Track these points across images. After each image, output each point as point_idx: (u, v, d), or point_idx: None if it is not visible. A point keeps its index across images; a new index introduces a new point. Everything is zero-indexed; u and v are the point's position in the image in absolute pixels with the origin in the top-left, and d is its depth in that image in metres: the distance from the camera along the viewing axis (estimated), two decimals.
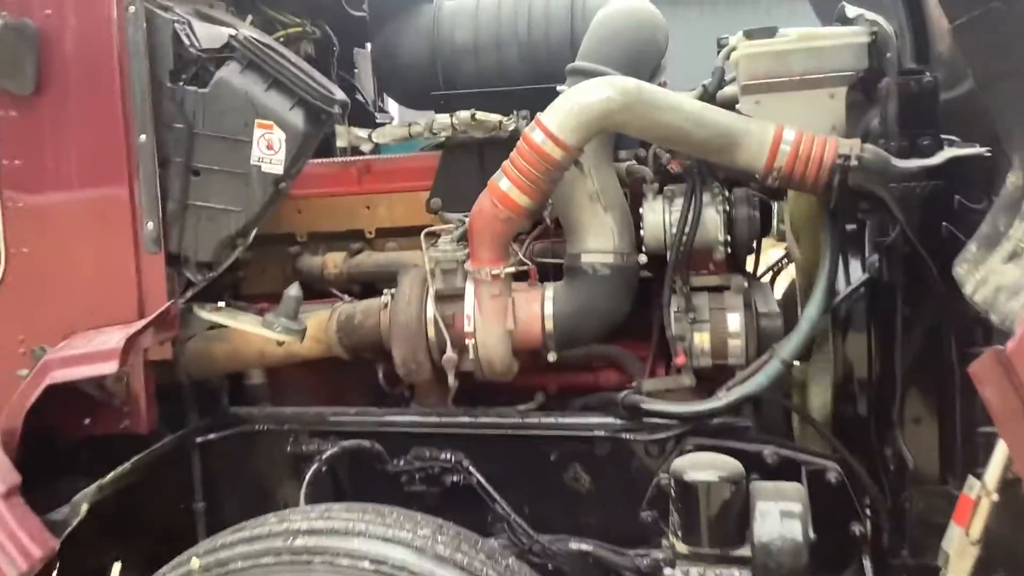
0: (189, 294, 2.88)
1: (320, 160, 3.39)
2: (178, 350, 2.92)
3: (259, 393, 3.30)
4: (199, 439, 3.04)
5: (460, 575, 2.18)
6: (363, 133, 3.20)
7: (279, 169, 2.66)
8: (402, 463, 2.95)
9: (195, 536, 3.02)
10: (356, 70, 4.13)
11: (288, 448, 3.00)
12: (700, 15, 13.22)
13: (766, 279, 3.50)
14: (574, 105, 2.60)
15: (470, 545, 2.30)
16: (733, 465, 2.37)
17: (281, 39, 3.51)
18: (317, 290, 3.30)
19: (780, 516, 2.27)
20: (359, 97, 4.14)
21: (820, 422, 2.90)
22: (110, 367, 2.46)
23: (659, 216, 2.80)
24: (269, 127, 2.64)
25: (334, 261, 3.29)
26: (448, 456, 2.92)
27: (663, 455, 2.72)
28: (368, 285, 3.26)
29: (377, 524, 2.27)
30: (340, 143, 3.25)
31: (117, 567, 3.52)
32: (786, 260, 3.56)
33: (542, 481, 2.87)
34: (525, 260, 2.92)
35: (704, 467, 2.39)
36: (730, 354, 2.79)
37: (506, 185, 2.67)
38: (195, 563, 2.24)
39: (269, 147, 2.65)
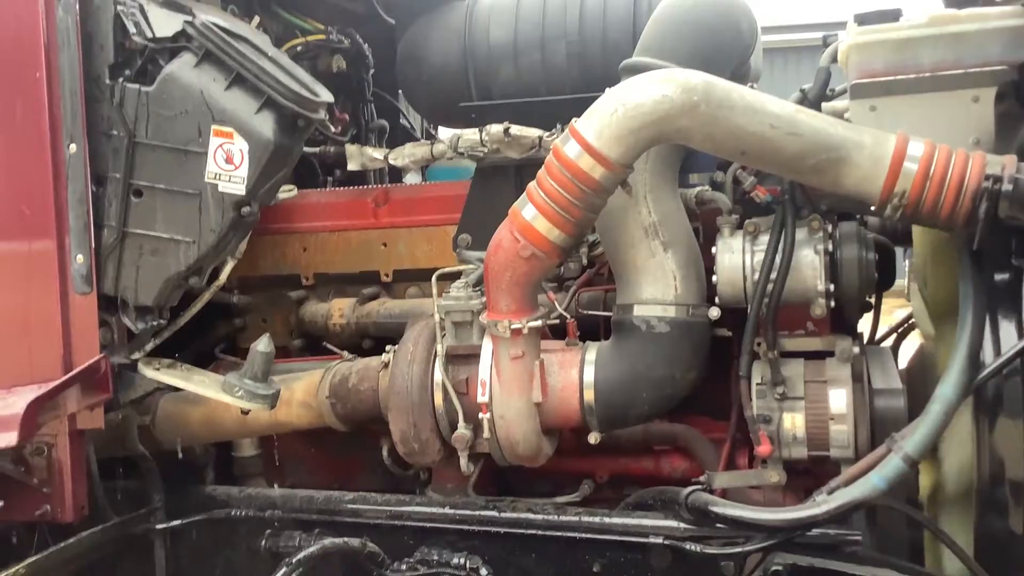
0: (149, 346, 2.34)
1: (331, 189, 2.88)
2: (124, 417, 2.38)
3: (250, 468, 2.87)
4: (160, 526, 2.48)
5: None
6: (378, 154, 2.67)
7: (240, 189, 2.15)
8: (404, 567, 2.37)
9: None
10: (400, 90, 3.57)
11: (264, 542, 2.40)
12: (785, 64, 12.39)
13: (888, 344, 2.97)
14: (618, 107, 2.02)
15: None
16: None
17: (299, 47, 2.99)
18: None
19: None
20: (404, 121, 3.61)
21: (957, 540, 2.26)
22: (7, 439, 1.92)
23: (737, 257, 2.27)
24: (228, 136, 2.13)
25: (340, 309, 2.74)
26: (461, 561, 2.38)
27: (740, 574, 2.22)
28: (382, 340, 2.70)
29: None
30: (351, 165, 2.74)
31: None
32: (914, 320, 2.90)
33: None
34: (563, 312, 2.32)
35: None
36: (833, 444, 2.27)
37: (531, 213, 2.13)
38: None
39: (228, 160, 2.14)
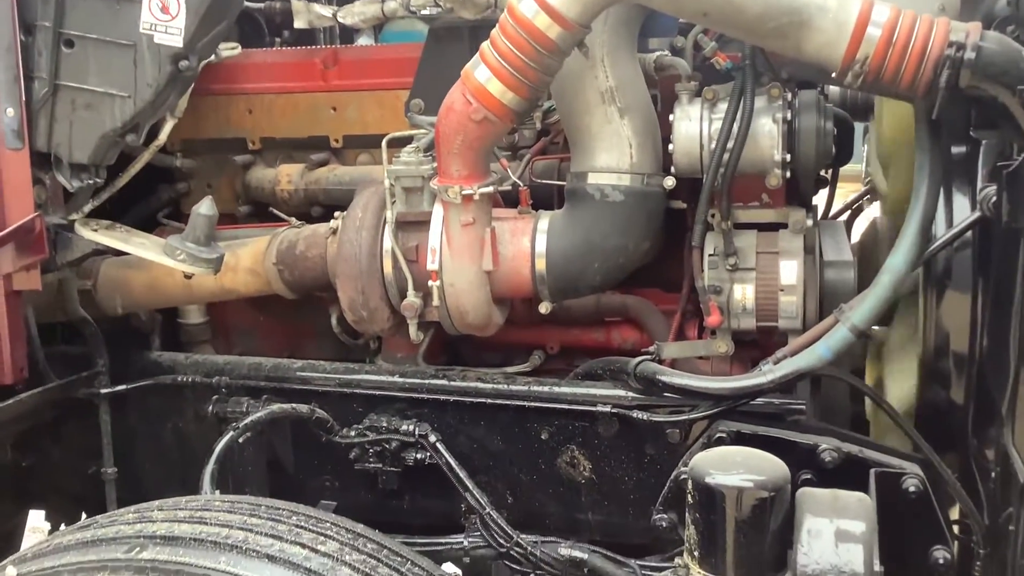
0: (88, 208, 2.27)
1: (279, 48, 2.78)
2: (63, 281, 2.34)
3: (197, 335, 2.85)
4: (104, 390, 2.47)
5: None
6: (326, 11, 2.57)
7: (177, 41, 2.07)
8: (353, 434, 2.37)
9: (104, 508, 2.54)
10: None
11: (211, 408, 2.40)
12: None
13: (842, 220, 3.04)
14: None
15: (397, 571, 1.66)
16: (774, 465, 1.84)
17: None
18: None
19: (835, 538, 1.77)
20: None
21: (899, 410, 2.33)
22: None
23: (695, 125, 2.23)
24: None
25: (288, 175, 2.68)
26: (410, 428, 2.37)
27: (685, 441, 2.25)
28: (331, 207, 2.65)
29: (263, 533, 1.65)
30: (298, 23, 2.64)
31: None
32: (869, 197, 2.92)
33: (530, 466, 2.41)
34: (516, 179, 2.29)
35: (734, 466, 1.85)
36: (781, 314, 2.28)
37: (484, 75, 2.07)
38: (10, 572, 1.65)
39: (164, 10, 2.06)
